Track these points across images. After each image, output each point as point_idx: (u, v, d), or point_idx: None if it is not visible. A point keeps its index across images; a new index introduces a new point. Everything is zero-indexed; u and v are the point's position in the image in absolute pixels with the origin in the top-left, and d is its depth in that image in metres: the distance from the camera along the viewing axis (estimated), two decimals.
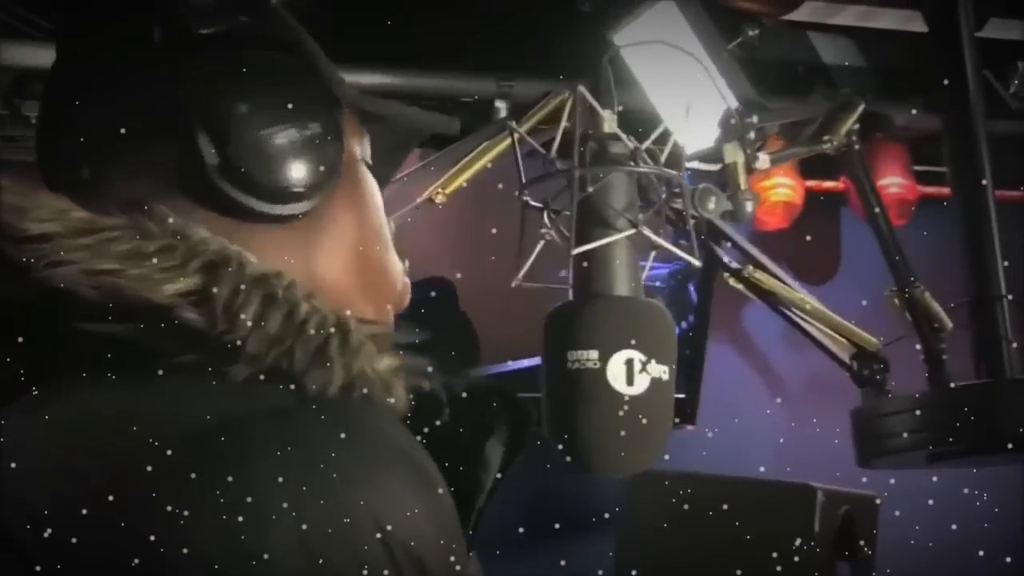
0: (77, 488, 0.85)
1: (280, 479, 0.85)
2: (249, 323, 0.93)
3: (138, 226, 0.96)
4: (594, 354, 1.33)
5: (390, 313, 1.16)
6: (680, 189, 1.40)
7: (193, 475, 0.85)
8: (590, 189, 1.36)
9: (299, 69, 1.05)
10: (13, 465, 0.86)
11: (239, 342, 0.92)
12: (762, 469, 2.76)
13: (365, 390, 0.95)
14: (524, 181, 1.42)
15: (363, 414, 0.94)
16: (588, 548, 2.95)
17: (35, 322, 0.91)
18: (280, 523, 0.84)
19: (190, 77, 1.00)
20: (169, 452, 0.85)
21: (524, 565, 2.93)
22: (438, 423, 1.01)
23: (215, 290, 0.93)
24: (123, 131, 1.02)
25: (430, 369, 1.03)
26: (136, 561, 0.82)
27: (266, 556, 0.83)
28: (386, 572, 0.87)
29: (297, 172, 1.02)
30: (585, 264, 1.37)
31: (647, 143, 1.38)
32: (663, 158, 1.40)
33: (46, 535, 0.84)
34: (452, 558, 0.92)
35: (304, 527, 0.84)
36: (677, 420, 3.08)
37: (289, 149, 1.01)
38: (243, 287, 0.94)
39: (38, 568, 0.84)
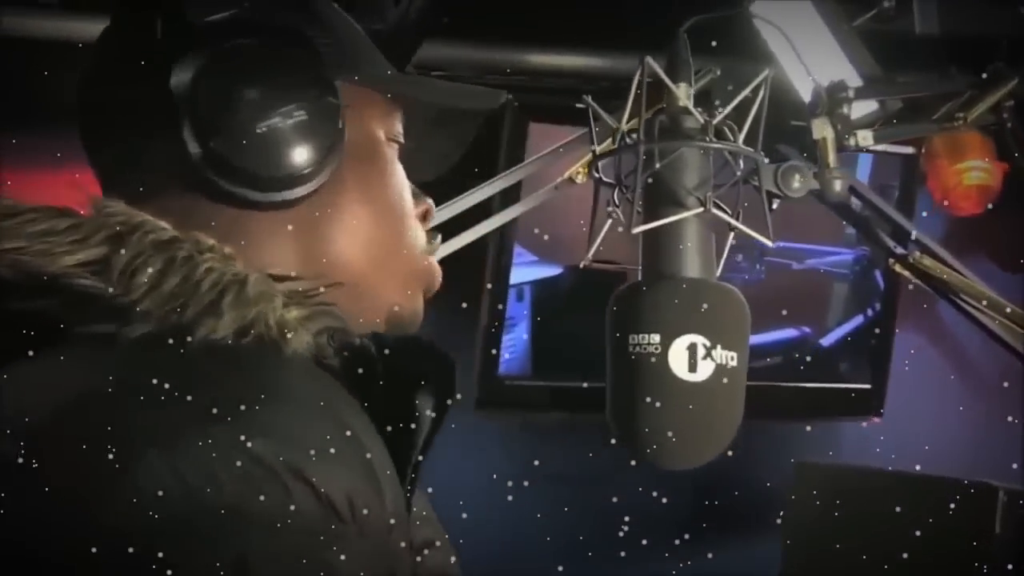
0: None
1: (156, 434, 0.86)
2: (145, 285, 0.94)
3: (60, 209, 0.99)
4: (656, 338, 1.27)
5: (416, 295, 1.14)
6: (757, 167, 1.32)
7: (76, 446, 0.87)
8: (657, 165, 1.30)
9: (290, 55, 1.04)
10: None
11: (136, 304, 0.93)
12: (946, 466, 2.63)
13: (258, 335, 0.94)
14: (596, 155, 1.37)
15: (252, 358, 0.94)
16: (756, 543, 2.88)
17: None
18: (152, 465, 0.85)
19: (182, 69, 1.01)
20: (57, 425, 0.89)
21: (693, 560, 2.87)
22: (371, 378, 0.97)
23: (115, 257, 0.95)
24: (129, 123, 1.05)
25: (338, 323, 1.00)
26: (35, 526, 0.85)
27: (138, 498, 0.84)
28: (278, 500, 0.85)
29: (285, 159, 1.02)
30: (652, 244, 1.31)
31: (719, 117, 1.31)
32: (742, 134, 1.33)
33: None
34: (371, 502, 0.89)
35: (176, 464, 0.84)
36: (865, 415, 2.99)
37: (275, 137, 1.01)
38: (144, 253, 0.95)
39: None
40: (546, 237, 2.56)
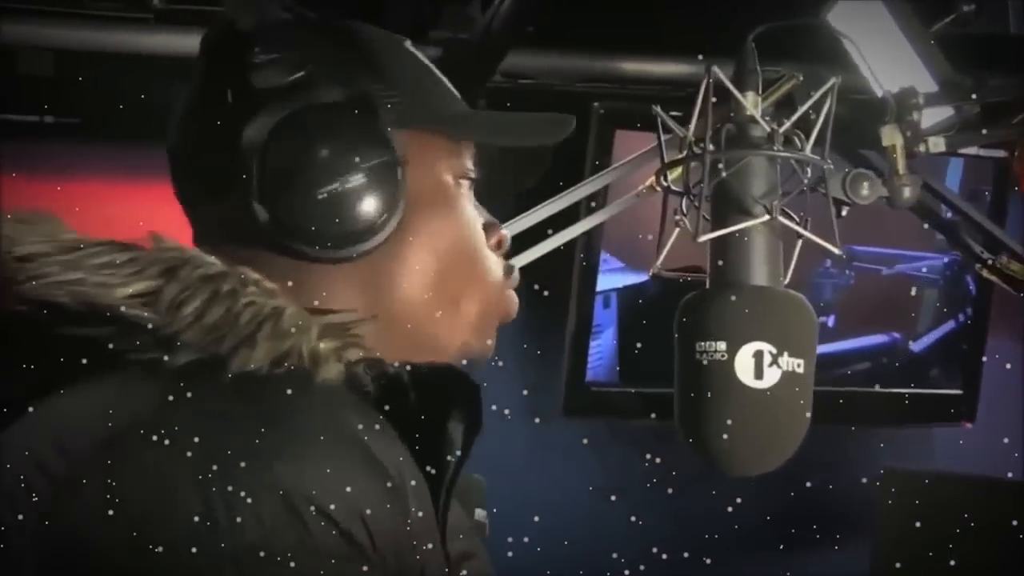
0: (42, 478, 0.95)
1: (187, 463, 0.91)
2: (190, 317, 0.99)
3: (122, 244, 1.03)
4: (722, 345, 1.28)
5: (489, 330, 1.17)
6: (824, 175, 1.32)
7: (112, 472, 0.93)
8: (724, 174, 1.31)
9: (348, 117, 1.07)
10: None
11: (179, 333, 0.98)
12: None
13: (291, 366, 0.99)
14: (663, 164, 1.39)
15: (282, 388, 0.97)
16: (847, 549, 2.86)
17: (25, 330, 1.00)
18: (187, 505, 0.90)
19: (248, 134, 1.06)
20: (99, 449, 0.94)
21: (783, 567, 2.87)
22: (404, 405, 1.02)
23: (166, 289, 1.00)
24: (201, 178, 1.11)
25: (364, 352, 1.04)
26: (74, 548, 0.92)
27: (169, 538, 0.89)
28: (301, 543, 0.90)
29: (346, 220, 1.06)
30: (720, 252, 1.32)
31: (786, 126, 1.32)
32: (810, 143, 1.34)
33: (20, 518, 0.94)
34: (394, 529, 0.94)
35: (213, 500, 0.90)
36: (960, 420, 2.96)
37: (335, 200, 1.06)
38: (191, 286, 1.00)
39: (12, 551, 0.94)
40: (634, 242, 2.57)
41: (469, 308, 1.14)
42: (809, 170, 1.34)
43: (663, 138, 1.40)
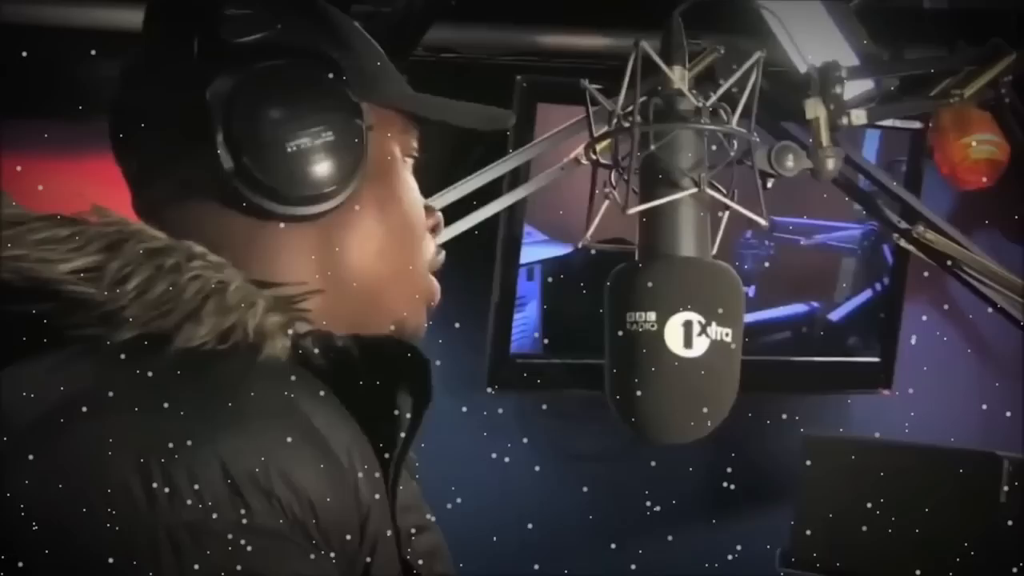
0: None
1: (125, 439, 0.91)
2: (133, 292, 0.98)
3: (64, 218, 1.02)
4: (652, 316, 1.31)
5: (421, 308, 1.19)
6: (750, 147, 1.35)
7: (50, 450, 0.92)
8: (652, 147, 1.33)
9: (316, 78, 1.08)
10: None
11: (122, 309, 0.98)
12: (952, 439, 2.65)
13: (236, 341, 0.99)
14: (592, 137, 1.40)
15: (226, 364, 0.97)
16: (768, 515, 2.91)
17: None
18: (127, 477, 0.90)
19: (216, 86, 1.06)
20: (36, 427, 0.94)
21: (707, 533, 2.91)
22: (352, 377, 1.03)
23: (109, 265, 0.99)
24: (160, 133, 1.10)
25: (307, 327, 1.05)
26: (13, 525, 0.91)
27: (105, 504, 0.89)
28: (237, 514, 0.90)
29: (312, 177, 1.07)
30: (649, 224, 1.34)
31: (713, 99, 1.34)
32: (736, 115, 1.36)
33: None
34: (340, 505, 0.95)
35: (152, 475, 0.90)
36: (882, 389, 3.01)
37: (303, 155, 1.06)
38: (134, 261, 1.00)
39: None
40: (557, 215, 2.59)
41: (408, 282, 1.16)
42: (735, 143, 1.36)
43: (591, 111, 1.41)
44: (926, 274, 2.84)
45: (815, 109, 1.44)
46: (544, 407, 2.82)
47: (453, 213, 2.30)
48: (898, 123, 2.81)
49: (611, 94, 1.43)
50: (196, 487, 0.90)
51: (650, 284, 1.31)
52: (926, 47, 1.94)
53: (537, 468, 2.74)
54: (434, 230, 1.21)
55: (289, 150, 1.06)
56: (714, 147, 1.37)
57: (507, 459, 2.76)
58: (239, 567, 0.89)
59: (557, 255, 2.70)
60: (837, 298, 2.98)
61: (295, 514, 0.92)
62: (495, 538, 2.51)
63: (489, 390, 2.76)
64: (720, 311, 1.31)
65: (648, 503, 2.75)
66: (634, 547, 2.81)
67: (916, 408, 2.87)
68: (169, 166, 1.10)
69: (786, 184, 1.58)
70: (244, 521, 0.91)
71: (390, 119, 1.15)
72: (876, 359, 3.01)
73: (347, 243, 1.12)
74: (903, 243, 2.30)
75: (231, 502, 0.91)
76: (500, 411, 2.80)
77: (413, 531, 1.08)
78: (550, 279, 2.73)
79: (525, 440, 2.77)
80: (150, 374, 0.95)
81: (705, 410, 1.32)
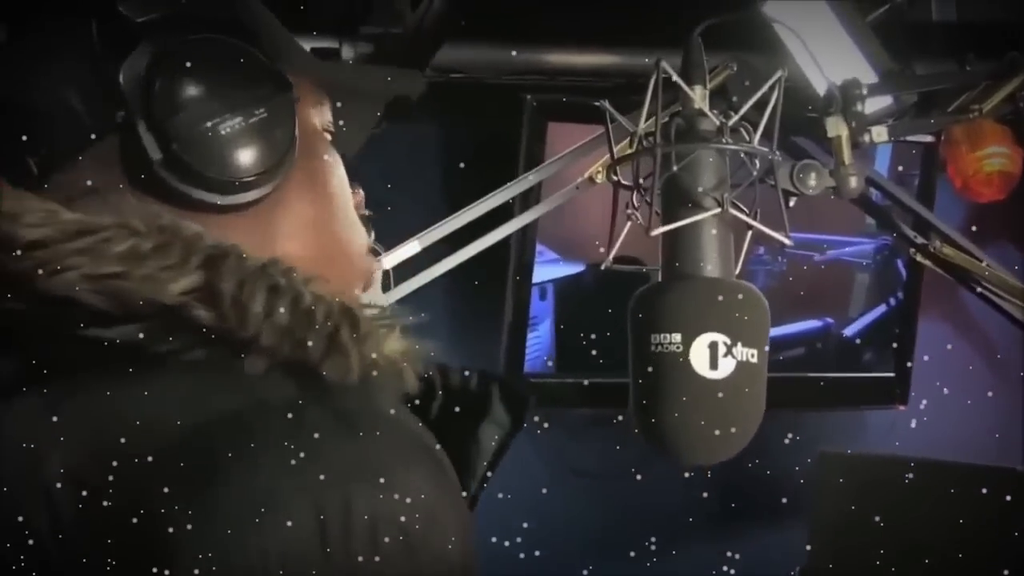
0: (92, 489, 0.86)
1: (284, 472, 0.85)
2: (260, 316, 0.91)
3: (129, 225, 0.94)
4: (677, 337, 1.30)
5: (355, 289, 1.09)
6: (772, 166, 1.34)
7: (193, 473, 0.85)
8: (674, 168, 1.32)
9: (239, 50, 0.99)
10: (27, 464, 0.88)
11: (253, 336, 0.91)
12: (972, 453, 2.64)
13: (375, 374, 0.91)
14: (614, 159, 1.39)
15: (375, 401, 0.91)
16: (783, 532, 2.89)
17: (37, 331, 0.92)
18: (286, 516, 0.84)
19: (128, 69, 0.97)
20: (171, 451, 0.86)
21: (720, 551, 2.89)
22: (434, 408, 0.99)
23: (221, 285, 0.91)
24: (68, 124, 1.00)
25: (432, 352, 0.98)
26: (142, 558, 0.83)
27: (272, 548, 0.83)
28: (401, 563, 0.85)
29: (242, 162, 0.98)
30: (672, 244, 1.33)
31: (735, 119, 1.33)
32: (757, 134, 1.35)
33: (63, 535, 0.86)
34: (465, 542, 0.90)
35: (318, 517, 0.84)
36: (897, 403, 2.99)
37: (231, 138, 0.98)
38: (247, 280, 0.92)
39: (54, 565, 0.86)
40: (569, 233, 2.58)
41: (345, 262, 1.08)
42: (757, 162, 1.35)
43: (610, 128, 1.40)
44: (947, 293, 2.84)
45: (837, 127, 1.43)
46: (556, 425, 2.81)
47: (466, 234, 2.30)
48: (909, 137, 2.80)
49: (622, 111, 1.42)
50: (361, 531, 0.85)
51: (674, 306, 1.30)
52: (934, 60, 1.93)
53: (547, 486, 2.73)
54: (358, 206, 1.12)
55: (222, 132, 0.97)
56: (736, 166, 1.36)
57: (518, 476, 2.75)
58: None
59: (569, 274, 2.69)
60: (851, 313, 2.97)
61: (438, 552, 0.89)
62: (506, 553, 2.50)
63: None
64: (746, 332, 1.30)
65: (660, 521, 2.74)
66: (645, 565, 2.80)
67: (932, 423, 2.86)
68: (78, 160, 1.00)
69: (798, 199, 1.57)
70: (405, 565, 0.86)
71: (305, 89, 1.07)
72: (891, 374, 3.00)
73: (282, 226, 1.03)
74: (919, 257, 2.29)
75: (396, 549, 0.86)
76: None
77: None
78: (563, 298, 2.72)
79: (536, 458, 2.77)
80: (300, 410, 0.89)
81: (732, 431, 1.31)
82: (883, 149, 2.86)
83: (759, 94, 1.34)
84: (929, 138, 2.82)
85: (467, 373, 1.03)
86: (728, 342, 1.29)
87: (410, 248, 2.22)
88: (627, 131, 1.39)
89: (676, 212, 1.33)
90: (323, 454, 0.86)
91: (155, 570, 0.84)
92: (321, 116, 1.08)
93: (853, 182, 1.41)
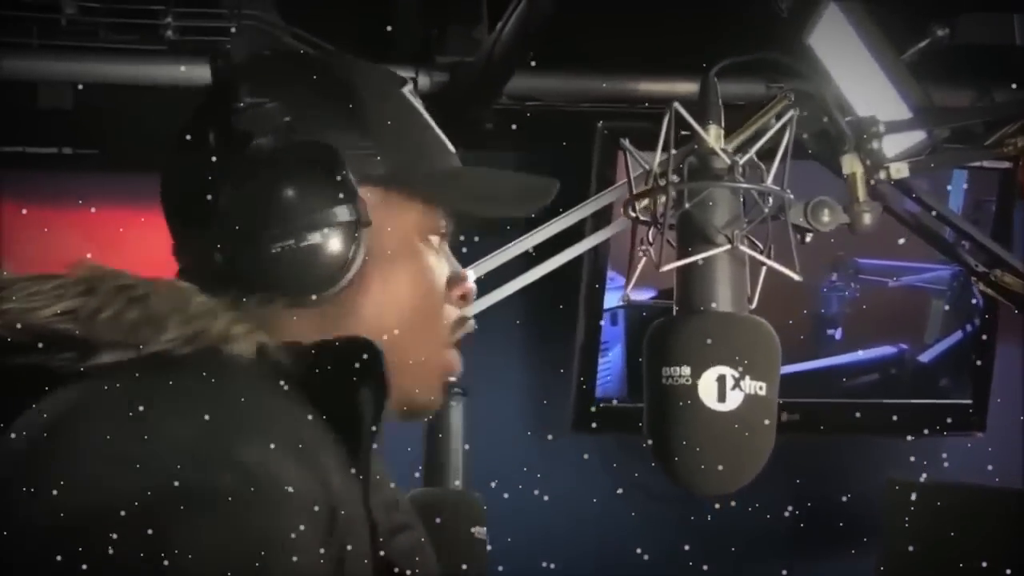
0: None
1: (102, 439, 0.97)
2: (107, 321, 1.04)
3: (47, 275, 1.08)
4: (686, 370, 1.33)
5: (433, 383, 1.20)
6: (784, 204, 1.37)
7: (42, 461, 0.98)
8: (687, 205, 1.36)
9: (315, 176, 1.10)
10: None
11: (100, 337, 1.04)
12: None
13: (199, 347, 1.04)
14: (632, 195, 1.43)
15: (193, 362, 1.03)
16: (854, 559, 2.89)
17: None
18: (110, 489, 0.94)
19: (217, 176, 1.09)
20: (32, 446, 1.00)
21: (790, 571, 2.90)
22: (317, 378, 1.06)
23: (87, 302, 1.05)
24: (179, 218, 1.15)
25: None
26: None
27: (87, 510, 0.93)
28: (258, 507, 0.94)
29: (303, 274, 1.10)
30: (685, 279, 1.37)
31: (745, 158, 1.37)
32: (771, 173, 1.38)
33: None
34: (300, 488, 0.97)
35: (120, 460, 0.95)
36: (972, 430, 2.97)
37: (292, 256, 1.09)
38: (108, 294, 1.05)
39: None
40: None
41: (417, 360, 1.17)
42: (771, 199, 1.38)
43: (630, 164, 1.44)
44: (1018, 315, 2.82)
45: (851, 165, 1.46)
46: (628, 450, 2.84)
47: (536, 255, 2.34)
48: (986, 163, 2.79)
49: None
50: (193, 479, 0.94)
51: (684, 339, 1.34)
52: (958, 87, 1.95)
53: (620, 509, 2.76)
54: (463, 299, 1.22)
55: (273, 251, 1.09)
56: (752, 203, 1.40)
57: (590, 499, 2.79)
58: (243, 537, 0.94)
59: (641, 300, 2.73)
60: (927, 339, 2.96)
61: (272, 485, 0.96)
62: (577, 572, 2.54)
63: (574, 433, 2.80)
64: (754, 365, 1.33)
65: (729, 545, 2.76)
66: None
67: (1009, 450, 2.84)
68: (182, 243, 1.15)
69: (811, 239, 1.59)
70: (225, 491, 0.94)
71: (411, 202, 1.17)
72: (968, 401, 2.98)
73: (350, 323, 1.14)
74: (982, 287, 2.28)
75: (211, 479, 0.95)
76: (585, 455, 2.83)
77: (392, 530, 1.11)
78: (634, 323, 2.76)
79: (606, 481, 2.80)
80: (119, 385, 1.01)
81: (740, 462, 1.34)
82: (959, 176, 2.86)
83: (770, 133, 1.38)
84: (1006, 164, 2.81)
85: (337, 344, 1.08)
86: (736, 375, 1.32)
87: (475, 271, 2.26)
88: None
89: (689, 247, 1.37)
90: (134, 414, 0.98)
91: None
92: (427, 225, 1.18)
93: (867, 219, 1.44)
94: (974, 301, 2.96)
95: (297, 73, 1.17)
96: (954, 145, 1.67)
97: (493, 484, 2.08)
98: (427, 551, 1.17)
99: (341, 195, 1.11)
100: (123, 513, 0.93)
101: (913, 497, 2.65)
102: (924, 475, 2.86)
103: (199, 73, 2.53)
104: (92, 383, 1.03)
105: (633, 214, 1.44)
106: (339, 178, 1.11)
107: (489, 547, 1.61)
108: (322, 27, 2.54)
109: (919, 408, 2.95)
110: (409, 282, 1.17)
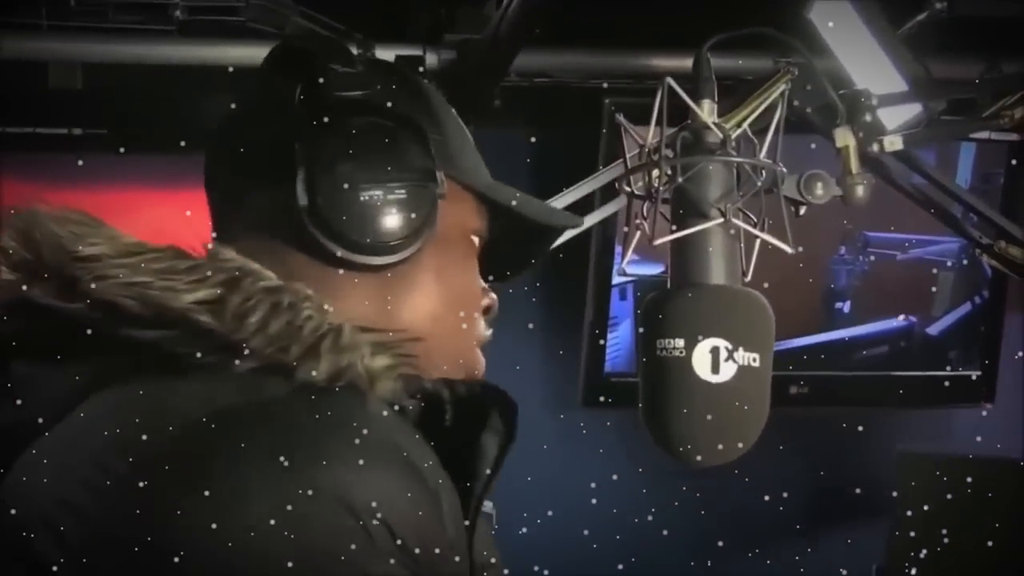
0: (105, 478, 0.99)
1: (262, 458, 0.96)
2: (254, 326, 1.03)
3: (175, 249, 1.07)
4: (680, 342, 1.35)
5: (461, 375, 1.20)
6: (776, 177, 1.38)
7: (189, 462, 0.97)
8: (680, 180, 1.37)
9: (404, 138, 1.13)
10: (55, 460, 1.03)
11: (246, 341, 1.03)
12: None
13: (347, 380, 1.03)
14: (627, 170, 1.45)
15: (344, 400, 1.02)
16: (865, 530, 2.90)
17: (88, 329, 1.05)
18: (259, 499, 0.95)
19: (307, 131, 1.11)
20: (171, 443, 0.98)
21: (801, 549, 2.91)
22: (441, 420, 1.08)
23: (230, 298, 1.04)
24: (248, 166, 1.16)
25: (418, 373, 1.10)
26: (146, 541, 0.95)
27: (245, 530, 0.93)
28: (362, 547, 0.94)
29: (378, 228, 1.11)
30: (679, 253, 1.39)
31: (738, 132, 1.38)
32: (764, 147, 1.40)
33: (78, 522, 0.98)
34: (436, 539, 0.99)
35: (281, 504, 0.94)
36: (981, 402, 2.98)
37: (376, 207, 1.11)
38: (254, 296, 1.05)
39: (73, 553, 0.98)
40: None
41: (453, 346, 1.19)
42: (764, 172, 1.40)
43: (625, 138, 1.45)
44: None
45: (844, 137, 1.47)
46: (639, 424, 2.85)
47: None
48: (994, 135, 2.79)
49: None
50: (319, 513, 0.95)
51: (678, 311, 1.35)
52: (956, 59, 1.95)
53: (629, 483, 2.77)
54: (487, 311, 1.24)
55: (361, 198, 1.11)
56: (746, 176, 1.41)
57: (601, 474, 2.80)
58: None
59: (650, 274, 2.74)
60: (935, 312, 2.97)
61: (407, 546, 0.97)
62: (586, 551, 2.56)
63: (584, 408, 2.82)
64: (748, 337, 1.34)
65: (741, 518, 2.77)
66: (726, 562, 2.84)
67: (1019, 422, 2.85)
68: (249, 200, 1.16)
69: (879, 198, 1.60)
70: (366, 547, 0.95)
71: (463, 196, 1.20)
72: (977, 372, 2.99)
73: (402, 298, 1.16)
74: (986, 259, 2.29)
75: (352, 529, 0.95)
76: (594, 428, 2.84)
77: (483, 567, 1.13)
78: (643, 298, 2.76)
79: (618, 456, 2.81)
80: (274, 402, 1.01)
81: (733, 434, 1.35)
82: (967, 149, 2.86)
83: (761, 107, 1.39)
84: (1014, 136, 2.81)
85: (470, 385, 1.11)
86: (730, 347, 1.33)
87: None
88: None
89: (682, 222, 1.38)
90: (287, 444, 0.97)
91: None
92: (473, 222, 1.21)
93: (860, 191, 1.45)
94: (982, 274, 2.96)
95: (371, 62, 1.21)
96: (953, 117, 1.67)
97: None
98: None
99: (426, 160, 1.14)
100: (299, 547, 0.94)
101: (923, 469, 2.66)
102: (933, 447, 2.87)
103: (208, 53, 2.56)
104: (247, 389, 1.02)
105: (628, 189, 1.45)
106: (425, 143, 1.14)
107: (497, 523, 1.63)
108: (331, 6, 2.56)
109: (928, 380, 2.95)
110: (462, 270, 1.20)
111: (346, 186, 1.10)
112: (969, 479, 2.57)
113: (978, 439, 2.81)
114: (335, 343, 1.05)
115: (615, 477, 2.80)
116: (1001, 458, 2.64)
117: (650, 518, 2.75)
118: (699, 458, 1.37)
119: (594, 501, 2.84)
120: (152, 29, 2.56)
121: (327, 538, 0.95)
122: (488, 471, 1.09)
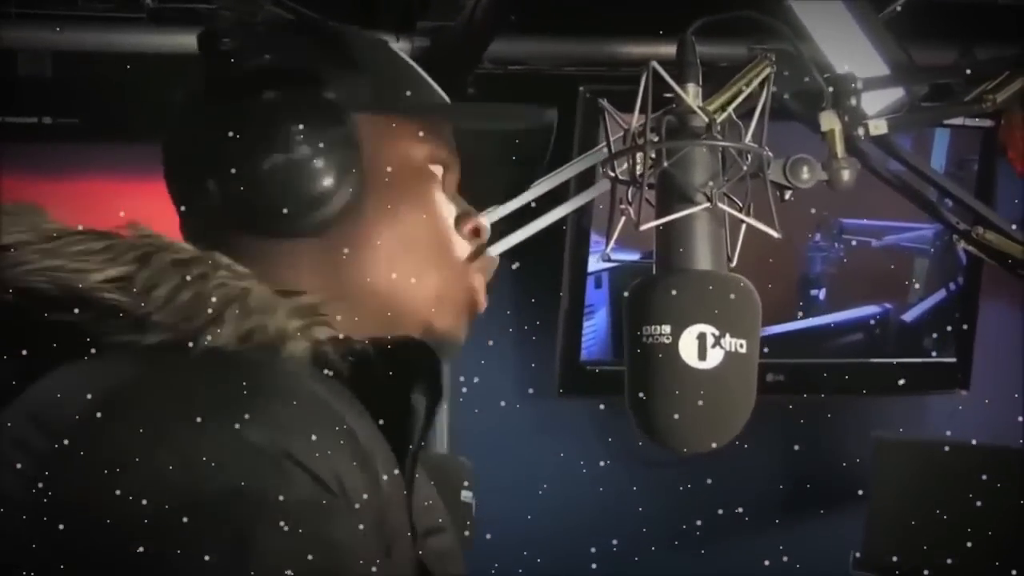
0: (24, 455, 0.98)
1: (165, 423, 0.96)
2: (161, 300, 1.03)
3: (98, 232, 1.07)
4: (666, 328, 1.33)
5: (450, 315, 1.20)
6: (762, 162, 1.37)
7: (92, 436, 0.97)
8: (665, 164, 1.36)
9: (305, 99, 1.12)
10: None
11: (151, 315, 1.02)
12: None
13: (254, 343, 1.03)
14: (611, 155, 1.43)
15: (244, 362, 1.02)
16: (841, 518, 2.91)
17: (8, 316, 1.04)
18: (159, 458, 0.94)
19: (209, 118, 1.12)
20: (78, 420, 0.97)
21: (778, 536, 2.91)
22: (369, 378, 1.07)
23: (139, 275, 1.04)
24: (181, 165, 1.17)
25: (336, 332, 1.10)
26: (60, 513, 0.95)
27: (150, 485, 0.93)
28: (276, 483, 0.93)
29: (293, 195, 1.11)
30: (664, 239, 1.37)
31: (723, 116, 1.36)
32: (750, 131, 1.38)
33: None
34: (368, 496, 0.98)
35: (191, 455, 0.94)
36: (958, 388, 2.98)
37: (281, 174, 1.11)
38: (163, 270, 1.04)
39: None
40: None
41: (428, 289, 1.17)
42: (749, 157, 1.38)
43: (608, 124, 1.44)
44: (1001, 272, 2.82)
45: (829, 121, 1.45)
46: (614, 412, 2.85)
47: (517, 220, 2.34)
48: (968, 122, 2.80)
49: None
50: (236, 463, 0.94)
51: (664, 297, 1.34)
52: (936, 45, 1.95)
53: (606, 472, 2.77)
54: (475, 233, 1.23)
55: (271, 170, 1.10)
56: (732, 161, 1.39)
57: (579, 463, 2.80)
58: (285, 525, 0.93)
59: (628, 260, 2.73)
60: (910, 299, 2.97)
61: (330, 487, 0.95)
62: (564, 539, 2.55)
63: (560, 396, 2.81)
64: (735, 323, 1.33)
65: (718, 506, 2.77)
66: (704, 550, 2.84)
67: (994, 408, 2.85)
68: (189, 196, 1.16)
69: (856, 186, 1.59)
70: (286, 491, 0.94)
71: (407, 128, 1.18)
72: (952, 359, 2.99)
73: (357, 255, 1.14)
74: (963, 245, 2.28)
75: (271, 475, 0.94)
76: (571, 416, 2.84)
77: (428, 531, 1.12)
78: (619, 286, 2.76)
79: (595, 445, 2.81)
80: (178, 372, 1.00)
81: (720, 421, 1.33)
82: (941, 135, 2.86)
83: (746, 92, 1.37)
84: (988, 123, 2.81)
85: (398, 344, 1.09)
86: (716, 333, 1.31)
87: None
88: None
89: (667, 207, 1.36)
90: (190, 405, 0.96)
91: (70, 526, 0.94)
92: (426, 152, 1.19)
93: (845, 175, 1.43)
94: (957, 261, 2.97)
95: (284, 28, 1.26)
96: (934, 102, 1.67)
97: (480, 448, 2.09)
98: (457, 554, 1.18)
99: (331, 115, 1.13)
100: (193, 511, 0.92)
101: (899, 455, 2.66)
102: (910, 433, 2.87)
103: (179, 41, 2.53)
104: (143, 363, 1.01)
105: (612, 174, 1.43)
106: (323, 96, 1.13)
107: (475, 511, 1.62)
108: None
109: (903, 367, 2.96)
110: (416, 210, 1.17)
111: (247, 160, 1.10)
112: (945, 464, 2.57)
113: (952, 427, 2.82)
114: (242, 307, 1.04)
115: (596, 464, 2.80)
116: (977, 444, 2.64)
117: (628, 506, 2.75)
118: (684, 444, 1.35)
119: (573, 489, 2.84)
120: (123, 17, 2.54)
121: (247, 484, 0.93)
122: (418, 429, 1.08)
